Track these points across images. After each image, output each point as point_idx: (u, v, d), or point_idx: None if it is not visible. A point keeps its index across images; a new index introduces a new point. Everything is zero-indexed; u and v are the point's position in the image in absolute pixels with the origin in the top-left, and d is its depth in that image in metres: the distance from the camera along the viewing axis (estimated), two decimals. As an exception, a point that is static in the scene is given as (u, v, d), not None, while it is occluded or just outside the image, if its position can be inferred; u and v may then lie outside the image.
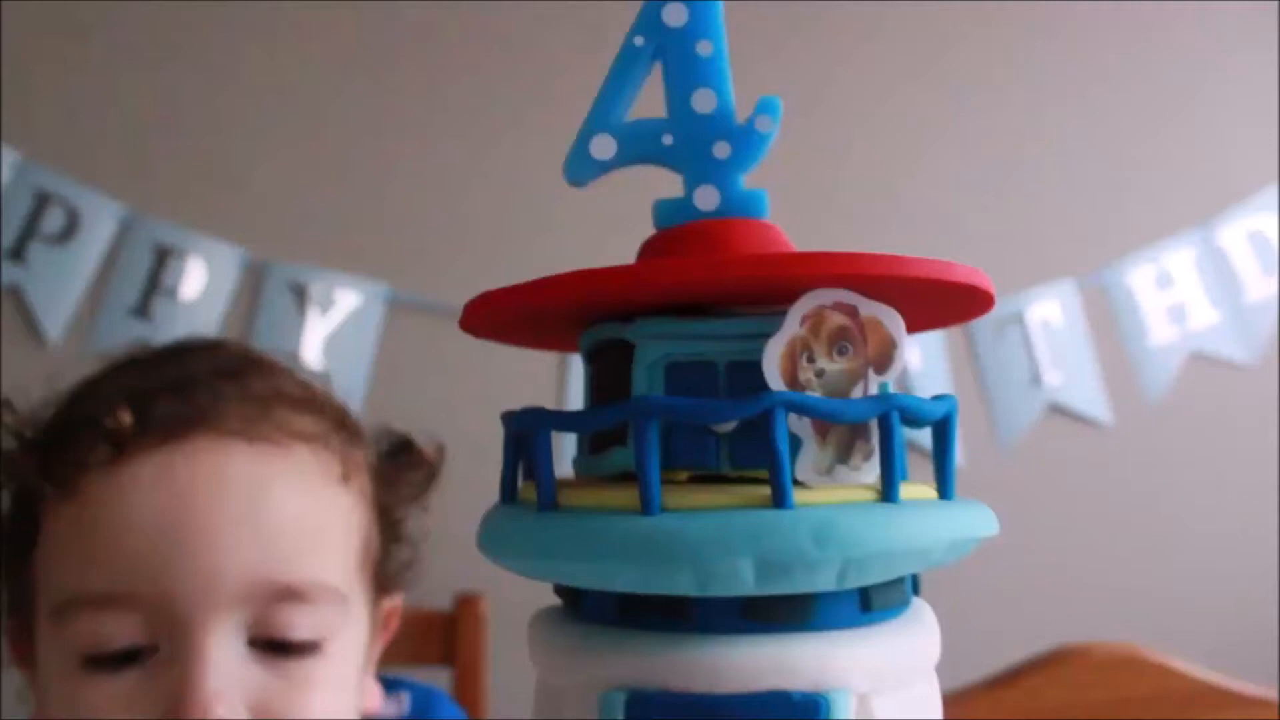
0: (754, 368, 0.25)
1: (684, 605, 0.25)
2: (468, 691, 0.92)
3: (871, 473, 0.25)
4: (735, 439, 0.26)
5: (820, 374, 0.25)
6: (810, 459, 0.25)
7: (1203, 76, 1.33)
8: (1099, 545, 1.28)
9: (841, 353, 0.25)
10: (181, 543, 0.48)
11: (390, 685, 0.62)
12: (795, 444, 0.25)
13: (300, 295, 1.14)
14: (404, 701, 0.62)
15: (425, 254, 1.17)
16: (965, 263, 0.26)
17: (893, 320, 0.25)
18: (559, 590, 0.28)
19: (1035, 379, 1.29)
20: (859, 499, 0.25)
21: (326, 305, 1.15)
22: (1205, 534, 1.30)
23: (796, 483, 0.25)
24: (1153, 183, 1.33)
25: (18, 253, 1.12)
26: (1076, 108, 1.31)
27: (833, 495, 0.25)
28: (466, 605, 0.93)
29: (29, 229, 1.12)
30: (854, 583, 0.24)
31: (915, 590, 0.28)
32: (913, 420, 0.25)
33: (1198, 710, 0.70)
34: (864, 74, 1.27)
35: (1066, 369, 1.30)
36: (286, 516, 0.50)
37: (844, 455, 0.25)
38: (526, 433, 0.26)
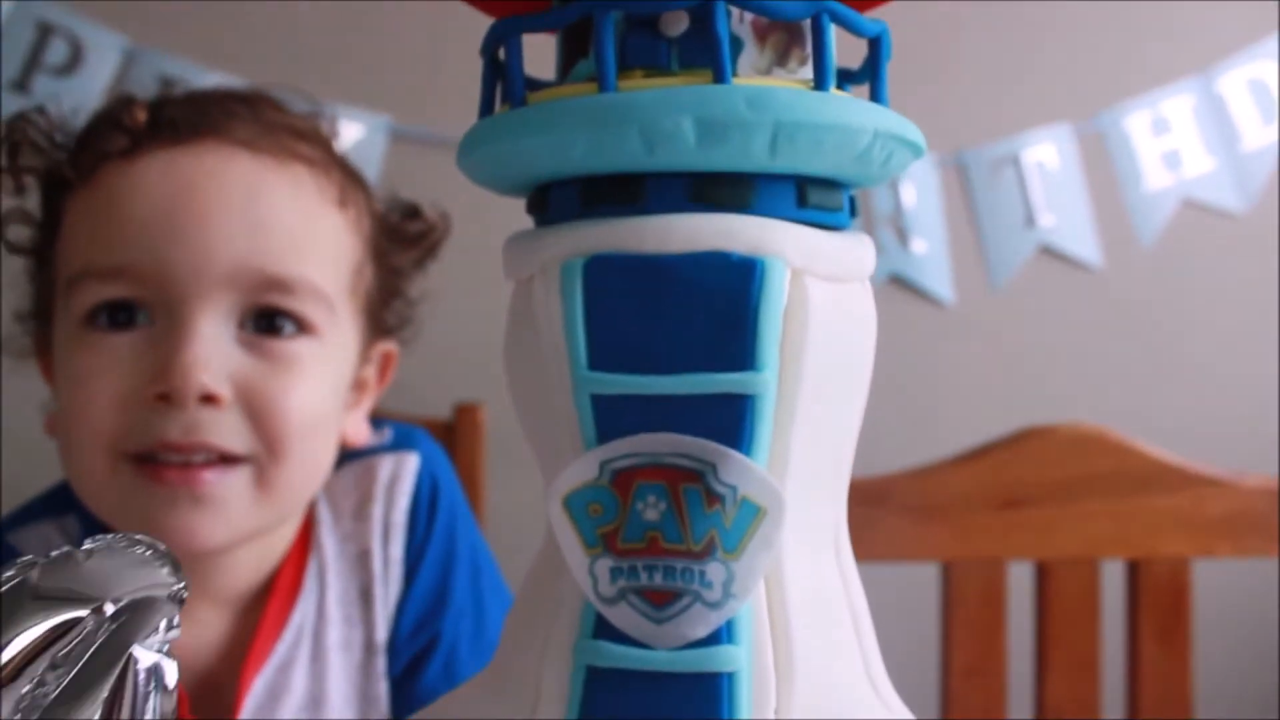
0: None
1: (637, 190, 0.28)
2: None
3: (807, 75, 0.28)
4: (684, 41, 0.28)
5: (761, -13, 0.27)
6: (750, 59, 0.28)
7: (1208, -83, 1.32)
8: (1085, 381, 1.32)
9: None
10: (179, 226, 0.54)
11: (374, 424, 0.67)
12: (739, 49, 0.28)
13: (303, 126, 1.16)
14: (386, 434, 0.67)
15: (428, 87, 1.18)
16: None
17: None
18: (529, 208, 0.31)
19: (1029, 220, 1.31)
20: (793, 85, 0.28)
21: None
22: (1187, 370, 1.33)
23: (736, 76, 0.27)
24: (1153, 28, 1.32)
25: (22, 84, 1.13)
26: (1078, -53, 1.30)
27: (769, 80, 0.27)
28: (466, 414, 0.97)
29: (32, 60, 1.13)
30: (786, 157, 0.27)
31: (853, 212, 0.31)
32: (846, 27, 0.28)
33: (1155, 488, 0.74)
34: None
35: (1060, 212, 1.32)
36: (278, 217, 0.56)
37: (781, 60, 0.28)
38: (500, 39, 0.29)
